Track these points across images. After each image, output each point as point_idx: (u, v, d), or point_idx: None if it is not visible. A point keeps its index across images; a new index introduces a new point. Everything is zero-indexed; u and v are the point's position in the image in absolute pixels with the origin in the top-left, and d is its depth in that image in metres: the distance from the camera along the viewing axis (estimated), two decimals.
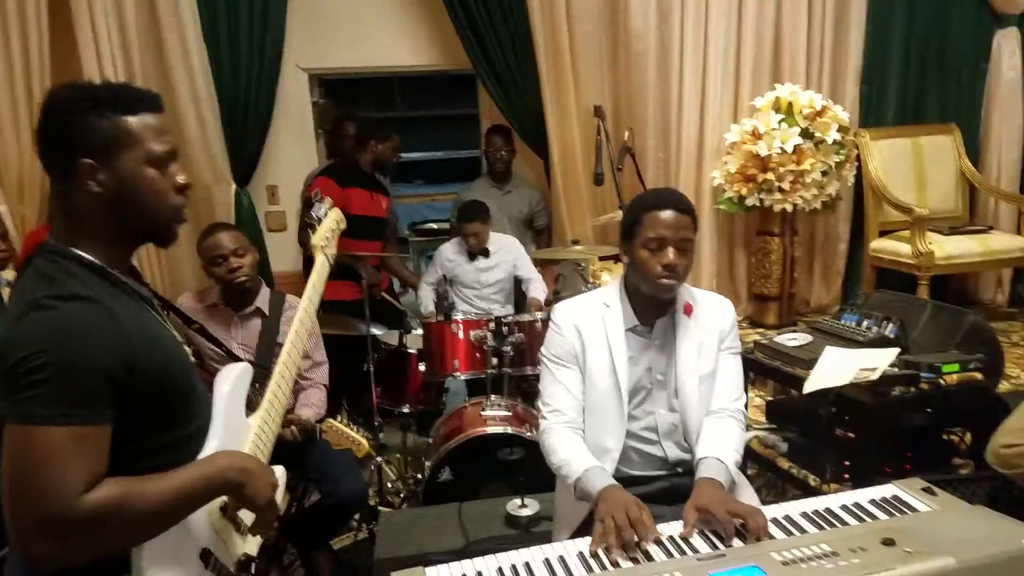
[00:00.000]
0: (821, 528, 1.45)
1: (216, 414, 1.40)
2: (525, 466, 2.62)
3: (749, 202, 4.46)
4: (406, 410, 3.13)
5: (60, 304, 1.13)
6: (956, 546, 1.31)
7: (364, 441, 2.10)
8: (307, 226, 1.92)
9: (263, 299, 2.48)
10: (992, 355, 2.43)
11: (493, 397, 2.88)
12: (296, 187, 4.45)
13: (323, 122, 4.78)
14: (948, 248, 4.29)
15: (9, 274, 2.78)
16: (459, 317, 3.09)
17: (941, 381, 2.22)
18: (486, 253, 3.60)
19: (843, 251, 4.88)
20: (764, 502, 1.64)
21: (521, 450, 2.67)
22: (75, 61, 4.06)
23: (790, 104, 4.39)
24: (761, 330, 4.49)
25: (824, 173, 4.37)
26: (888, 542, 1.33)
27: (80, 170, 1.19)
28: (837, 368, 2.28)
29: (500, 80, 4.50)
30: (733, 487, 1.73)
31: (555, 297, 3.40)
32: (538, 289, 3.69)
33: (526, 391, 3.22)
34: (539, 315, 3.06)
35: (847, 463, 2.26)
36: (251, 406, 1.54)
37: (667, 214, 1.74)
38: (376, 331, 3.09)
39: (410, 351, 3.10)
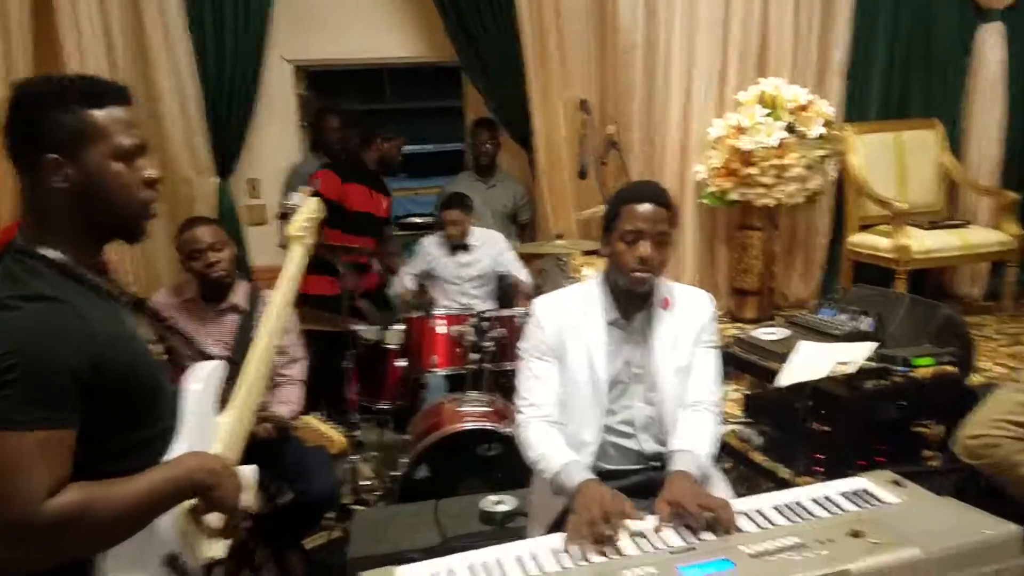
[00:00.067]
0: (791, 520, 1.46)
1: (185, 414, 1.39)
2: (503, 462, 2.62)
3: (732, 197, 4.47)
4: (384, 406, 3.12)
5: (25, 305, 1.12)
6: (922, 537, 1.32)
7: (338, 437, 2.09)
8: (283, 215, 1.90)
9: (240, 294, 2.46)
10: (964, 349, 2.46)
11: (472, 393, 2.88)
12: (279, 180, 4.42)
13: (307, 114, 4.76)
14: (927, 242, 4.32)
15: None
16: (439, 312, 3.09)
17: (914, 374, 2.24)
18: (466, 247, 3.59)
19: (823, 245, 4.91)
20: (737, 495, 1.65)
21: (499, 446, 2.67)
22: (56, 55, 4.02)
23: (774, 98, 4.40)
24: (740, 324, 4.51)
25: (807, 168, 4.39)
26: (856, 534, 1.34)
27: (46, 165, 1.18)
28: (813, 362, 2.31)
29: (486, 73, 4.50)
30: (706, 480, 1.74)
31: (536, 292, 3.40)
32: (526, 284, 3.69)
33: (506, 387, 3.22)
34: (521, 310, 3.06)
35: (820, 456, 2.28)
36: (226, 403, 1.53)
37: (644, 207, 1.75)
38: (357, 327, 3.08)
39: (389, 347, 3.09)
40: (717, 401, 1.85)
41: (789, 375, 2.32)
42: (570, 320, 1.84)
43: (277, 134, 4.61)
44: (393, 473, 2.78)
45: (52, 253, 1.20)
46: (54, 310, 1.14)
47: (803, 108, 4.35)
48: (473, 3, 4.34)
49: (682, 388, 1.83)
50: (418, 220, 5.86)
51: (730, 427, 2.89)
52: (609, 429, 1.84)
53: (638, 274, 1.75)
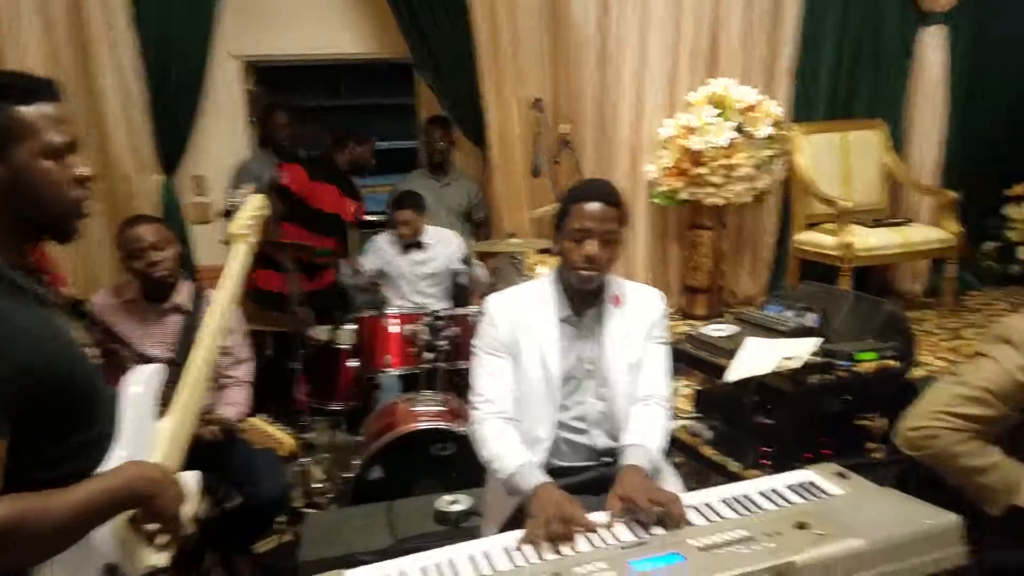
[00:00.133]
0: (739, 514, 1.49)
1: (124, 419, 1.35)
2: (458, 462, 2.61)
3: (682, 196, 4.53)
4: (336, 407, 3.08)
5: None
6: (866, 528, 1.36)
7: (286, 439, 2.05)
8: (226, 213, 1.85)
9: (184, 294, 2.40)
10: (906, 343, 2.53)
11: (426, 392, 2.85)
12: (226, 177, 4.33)
13: (256, 111, 4.66)
14: (870, 240, 4.45)
15: None
16: (392, 311, 3.06)
17: (857, 369, 2.30)
18: (420, 246, 3.56)
19: (770, 244, 5.01)
20: (689, 489, 1.67)
21: (454, 445, 2.66)
22: None
23: (724, 99, 4.47)
24: (691, 321, 4.58)
25: (756, 167, 4.47)
26: (802, 525, 1.37)
27: None
28: (760, 357, 2.34)
29: (439, 70, 4.47)
30: (657, 473, 1.76)
31: (491, 290, 3.39)
32: (483, 281, 3.67)
33: (461, 386, 3.20)
34: (475, 308, 3.05)
35: (768, 449, 2.32)
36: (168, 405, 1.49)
37: (593, 206, 1.77)
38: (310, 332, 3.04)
39: (341, 346, 3.05)
40: (667, 396, 1.88)
41: (737, 370, 2.36)
42: (523, 317, 1.85)
43: (225, 131, 4.51)
44: (346, 475, 2.74)
45: None
46: None
47: (752, 109, 4.43)
48: (426, 1, 4.31)
49: (633, 384, 1.85)
50: (372, 218, 5.79)
51: (681, 422, 2.92)
52: (562, 425, 1.85)
53: (585, 272, 1.78)
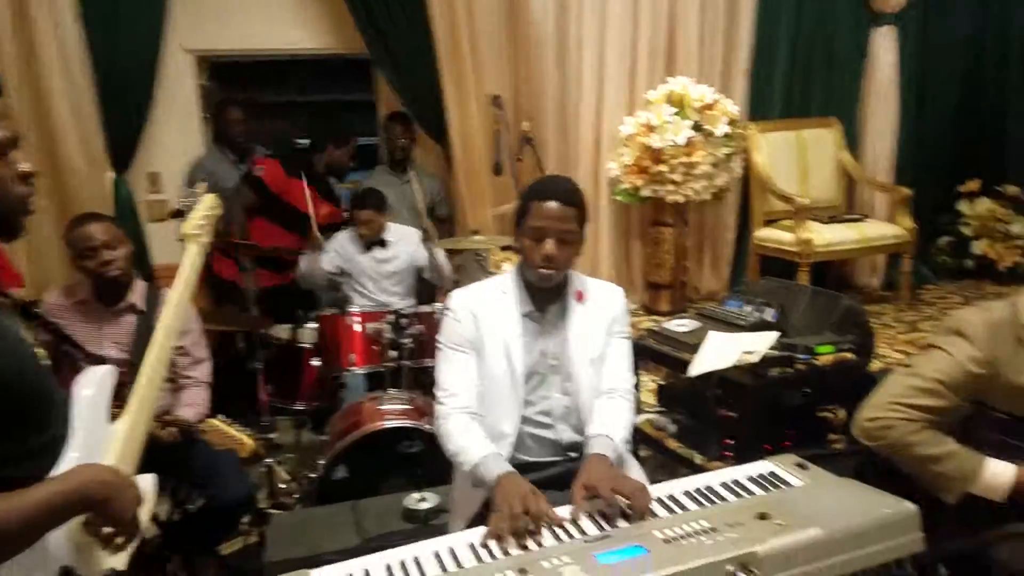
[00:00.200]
0: (702, 505, 1.50)
1: (76, 421, 1.32)
2: (425, 459, 2.60)
3: (644, 193, 4.57)
4: (300, 407, 3.04)
5: None
6: (825, 517, 1.38)
7: (247, 440, 2.02)
8: (178, 212, 1.82)
9: (137, 294, 2.34)
10: (864, 336, 2.58)
11: (392, 390, 2.83)
12: (180, 173, 4.24)
13: (210, 107, 4.58)
14: (827, 236, 4.54)
15: None
16: (355, 310, 3.02)
17: (816, 362, 2.34)
18: (383, 243, 3.53)
19: (731, 240, 5.08)
20: (654, 481, 1.68)
21: (421, 443, 2.64)
22: None
23: (682, 97, 4.52)
24: (655, 317, 4.62)
25: (714, 165, 4.53)
26: (763, 516, 1.39)
27: None
28: (721, 352, 2.38)
29: (397, 67, 4.43)
30: (622, 463, 1.78)
31: (455, 286, 3.37)
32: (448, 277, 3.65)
33: (426, 384, 3.18)
34: (440, 305, 3.03)
35: (730, 441, 2.35)
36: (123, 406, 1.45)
37: (551, 205, 1.77)
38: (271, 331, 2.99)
39: (303, 346, 3.01)
40: (630, 388, 1.90)
41: (699, 365, 2.39)
42: (486, 312, 1.85)
43: (178, 127, 4.42)
44: (311, 475, 2.71)
45: None
46: None
47: (709, 107, 4.49)
48: None
49: (597, 378, 1.86)
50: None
51: (646, 416, 2.96)
52: (527, 420, 1.85)
53: (543, 271, 1.78)
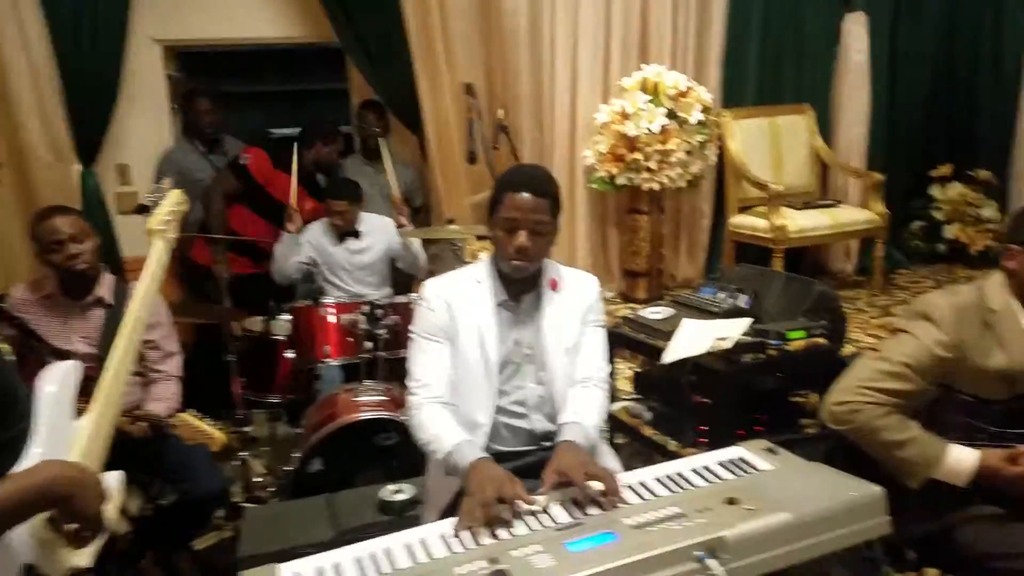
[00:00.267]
0: (672, 491, 1.51)
1: (40, 417, 1.29)
2: (401, 451, 2.59)
3: (619, 181, 4.57)
4: (274, 400, 3.02)
5: None
6: (793, 501, 1.39)
7: (218, 434, 2.00)
8: (143, 209, 1.80)
9: (106, 287, 2.31)
10: (836, 321, 2.60)
11: (367, 382, 2.82)
12: (150, 165, 4.18)
13: (178, 97, 4.51)
14: (800, 222, 4.57)
15: None
16: (329, 301, 3.00)
17: (788, 347, 2.36)
18: (356, 234, 3.50)
19: (706, 227, 5.10)
20: (630, 469, 1.69)
21: (397, 435, 2.64)
22: None
23: (656, 85, 4.52)
24: (632, 305, 4.64)
25: (688, 152, 4.54)
26: (732, 501, 1.40)
27: None
28: (695, 339, 2.39)
29: (369, 55, 4.39)
30: (594, 450, 1.78)
31: (430, 275, 3.36)
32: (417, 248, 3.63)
33: (402, 375, 3.15)
34: (415, 295, 3.01)
35: (704, 427, 2.37)
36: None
37: (523, 196, 1.76)
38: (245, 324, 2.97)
39: (276, 338, 2.98)
40: (604, 377, 1.89)
41: (673, 352, 2.40)
42: (460, 302, 1.85)
43: (147, 118, 4.34)
44: (286, 468, 2.69)
45: None
46: None
47: (683, 95, 4.50)
48: None
49: (571, 367, 1.86)
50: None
51: (622, 404, 2.97)
52: (501, 410, 1.85)
53: (516, 262, 1.78)
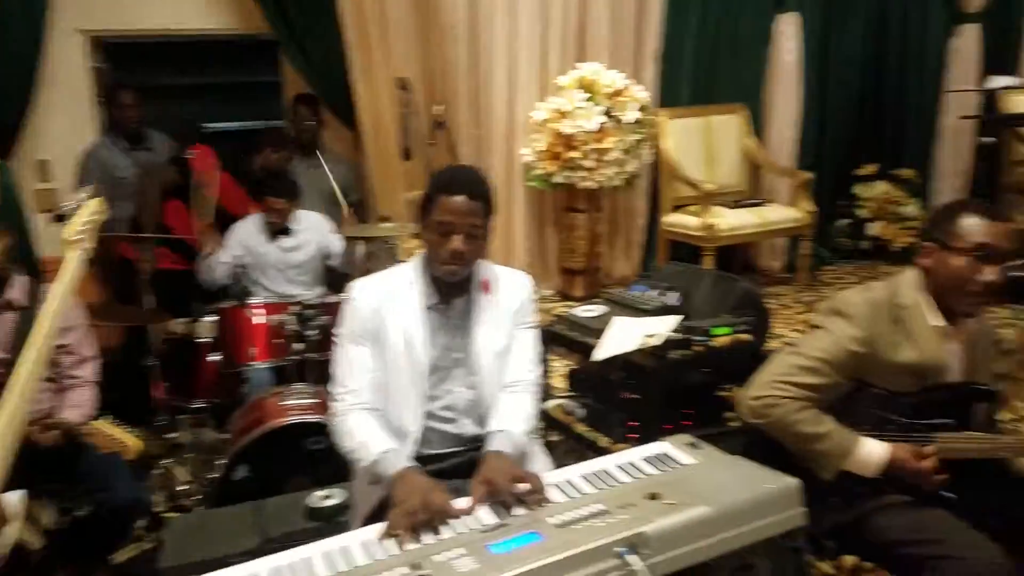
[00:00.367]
0: (598, 488, 1.52)
1: None
2: (333, 455, 2.53)
3: (557, 179, 4.59)
4: (199, 405, 2.93)
5: None
6: (712, 495, 1.42)
7: (132, 442, 1.93)
8: (59, 218, 1.72)
9: (18, 289, 2.20)
10: (760, 318, 2.67)
11: (298, 385, 2.76)
12: (70, 161, 4.01)
13: (103, 90, 4.35)
14: (731, 220, 4.68)
15: None
16: (257, 301, 2.93)
17: (713, 343, 2.41)
18: (288, 231, 3.42)
19: (642, 226, 5.17)
20: (562, 466, 1.69)
21: (327, 439, 2.57)
22: None
23: (593, 83, 4.55)
24: (570, 303, 4.66)
25: (625, 151, 4.59)
26: (653, 496, 1.42)
27: None
28: (624, 336, 2.42)
29: (303, 48, 4.31)
30: (525, 456, 1.77)
31: (366, 273, 3.31)
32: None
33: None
34: (346, 295, 2.96)
35: (634, 423, 2.40)
36: None
37: (457, 200, 1.72)
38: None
39: (200, 340, 2.90)
40: (534, 380, 1.88)
41: (603, 350, 2.42)
42: (388, 304, 1.80)
43: (69, 111, 4.18)
44: (211, 475, 2.61)
45: None
46: None
47: (619, 94, 4.54)
48: None
49: (502, 371, 1.84)
50: None
51: (556, 401, 2.98)
52: (430, 415, 1.82)
53: (450, 267, 1.75)
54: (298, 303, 2.85)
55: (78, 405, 2.20)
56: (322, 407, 2.65)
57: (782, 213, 4.93)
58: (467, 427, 1.84)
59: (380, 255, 3.64)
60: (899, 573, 1.70)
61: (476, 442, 1.83)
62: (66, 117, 4.17)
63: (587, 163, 4.49)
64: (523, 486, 1.49)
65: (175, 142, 4.10)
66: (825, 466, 1.66)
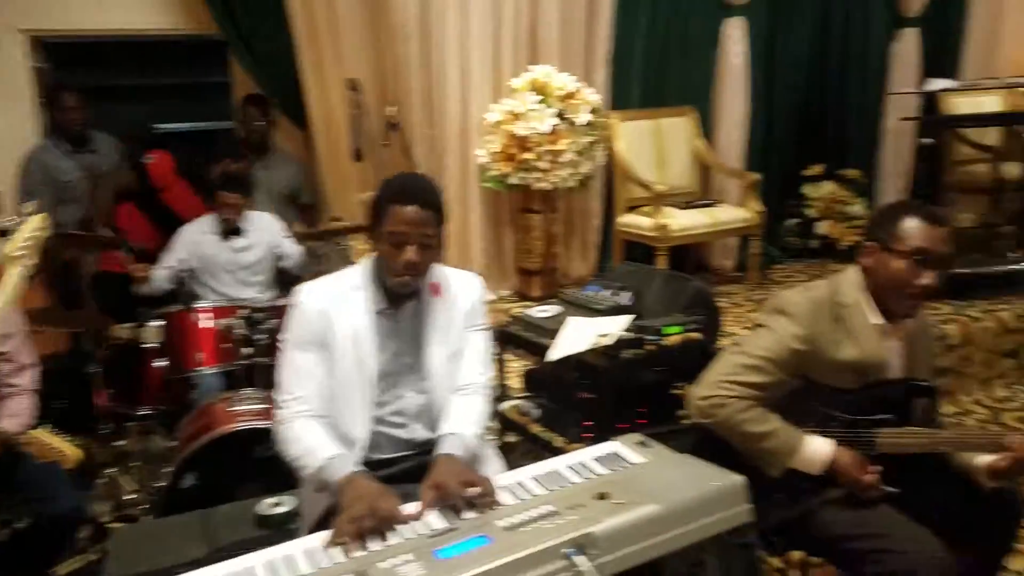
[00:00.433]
0: (548, 489, 1.52)
1: None
2: (282, 462, 2.50)
3: (512, 181, 4.59)
4: (145, 412, 2.86)
5: None
6: (661, 493, 1.43)
7: (71, 451, 1.87)
8: (2, 233, 1.67)
9: None
10: (711, 316, 2.71)
11: (247, 390, 2.71)
12: (10, 165, 3.87)
13: (45, 92, 4.22)
14: (682, 221, 4.74)
15: None
16: (205, 305, 2.87)
17: (664, 342, 2.43)
18: (238, 231, 3.36)
19: (597, 226, 5.20)
20: (516, 468, 1.69)
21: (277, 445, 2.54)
22: None
23: (545, 86, 4.57)
24: (527, 303, 4.66)
25: (579, 153, 4.61)
26: (602, 496, 1.43)
27: None
28: (578, 336, 2.43)
29: (251, 48, 4.23)
30: (476, 459, 1.77)
31: (318, 275, 3.27)
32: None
33: None
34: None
35: (589, 423, 2.41)
36: None
37: (409, 210, 1.69)
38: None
39: (145, 345, 2.82)
40: (486, 383, 1.87)
41: (557, 350, 2.43)
42: (337, 309, 1.77)
43: (10, 113, 4.05)
44: (158, 484, 2.55)
45: None
46: None
47: (571, 96, 4.56)
48: None
49: (453, 374, 1.83)
50: None
51: (512, 402, 2.98)
52: (380, 420, 1.80)
53: (403, 278, 1.72)
54: (247, 307, 2.79)
55: (16, 414, 2.13)
56: (272, 413, 2.60)
57: (732, 213, 5.01)
58: (418, 431, 1.83)
59: (333, 257, 3.61)
60: (844, 567, 1.75)
61: (427, 446, 1.81)
62: (7, 120, 4.03)
63: (541, 164, 4.50)
64: (474, 490, 1.48)
65: (122, 144, 4.00)
66: (772, 464, 1.69)
